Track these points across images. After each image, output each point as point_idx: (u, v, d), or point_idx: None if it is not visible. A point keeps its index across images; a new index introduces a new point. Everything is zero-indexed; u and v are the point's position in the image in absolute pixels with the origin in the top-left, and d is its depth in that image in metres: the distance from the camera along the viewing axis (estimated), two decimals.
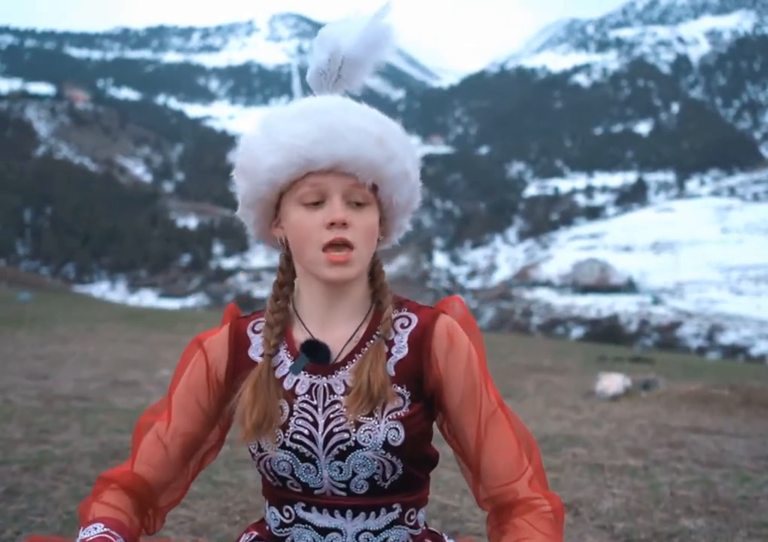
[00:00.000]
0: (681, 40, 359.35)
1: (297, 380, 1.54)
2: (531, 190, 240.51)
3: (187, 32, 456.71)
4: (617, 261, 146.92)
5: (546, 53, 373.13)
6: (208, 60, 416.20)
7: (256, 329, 1.61)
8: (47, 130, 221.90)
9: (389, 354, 1.52)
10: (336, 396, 1.51)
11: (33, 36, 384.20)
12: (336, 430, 1.48)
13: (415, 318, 1.56)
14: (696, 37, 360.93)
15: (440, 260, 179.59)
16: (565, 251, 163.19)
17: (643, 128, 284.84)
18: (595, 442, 5.19)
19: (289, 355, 1.56)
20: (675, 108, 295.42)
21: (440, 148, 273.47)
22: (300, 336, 1.57)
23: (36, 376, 7.75)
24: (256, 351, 1.58)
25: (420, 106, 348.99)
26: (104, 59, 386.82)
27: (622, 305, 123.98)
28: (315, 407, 1.52)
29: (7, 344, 10.90)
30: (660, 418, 6.54)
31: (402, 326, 1.56)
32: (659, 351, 33.21)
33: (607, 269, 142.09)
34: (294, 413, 1.51)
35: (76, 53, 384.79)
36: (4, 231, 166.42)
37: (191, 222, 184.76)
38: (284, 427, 1.51)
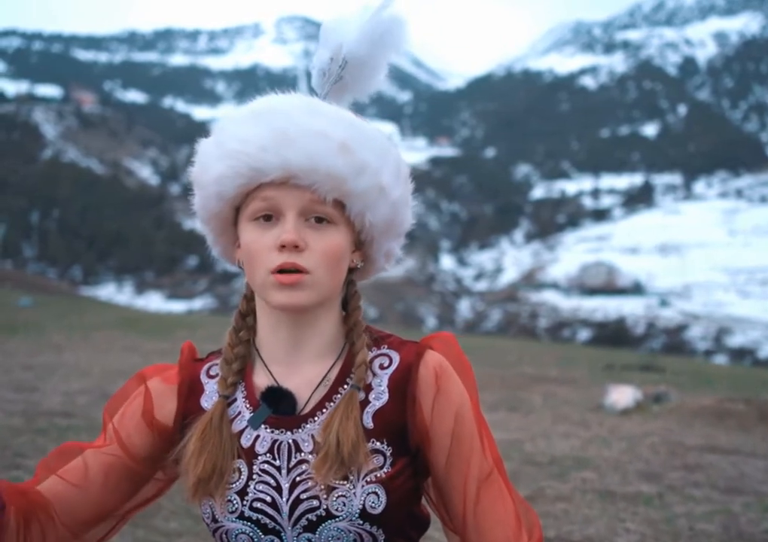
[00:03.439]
0: (687, 42, 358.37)
1: (257, 436, 1.33)
2: (538, 192, 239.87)
3: (193, 35, 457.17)
4: (624, 263, 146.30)
5: (552, 55, 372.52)
6: (215, 63, 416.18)
7: (211, 373, 1.41)
8: (54, 133, 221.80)
9: (366, 402, 1.32)
10: (303, 454, 1.30)
11: (40, 39, 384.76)
12: (303, 496, 1.28)
13: (396, 357, 1.35)
14: (703, 39, 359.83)
15: (447, 262, 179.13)
16: (572, 253, 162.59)
17: (650, 130, 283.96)
18: (606, 465, 4.89)
19: (248, 405, 1.35)
20: (682, 109, 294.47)
21: (447, 150, 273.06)
22: (261, 380, 1.36)
23: (23, 388, 7.47)
24: (210, 399, 1.38)
25: (427, 108, 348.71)
26: (111, 62, 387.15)
27: (629, 307, 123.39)
28: (279, 469, 1.30)
29: None
30: (673, 435, 6.22)
31: (381, 366, 1.35)
32: (667, 355, 32.92)
33: (613, 272, 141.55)
34: (254, 476, 1.30)
35: (83, 55, 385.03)
36: (11, 233, 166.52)
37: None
38: (243, 493, 1.30)
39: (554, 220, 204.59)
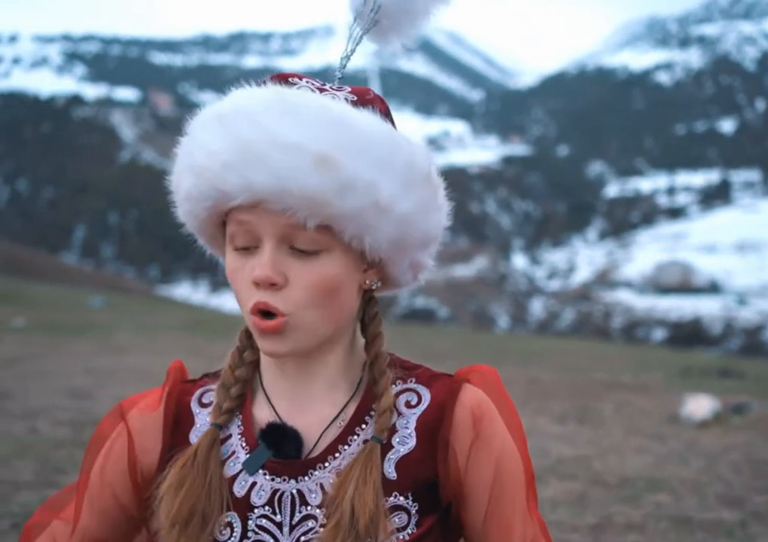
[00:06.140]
0: (766, 36, 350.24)
1: (254, 483, 1.13)
2: (612, 190, 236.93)
3: (266, 37, 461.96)
4: (700, 262, 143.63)
5: (626, 51, 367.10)
6: (288, 64, 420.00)
7: (203, 401, 1.21)
8: (132, 135, 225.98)
9: (389, 447, 1.12)
10: (309, 508, 1.11)
11: (118, 43, 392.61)
12: None
13: (427, 394, 1.15)
14: None
15: (519, 261, 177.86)
16: (647, 252, 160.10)
17: (727, 126, 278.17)
18: (683, 486, 4.51)
19: (244, 444, 1.15)
20: (761, 105, 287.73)
21: (519, 149, 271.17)
22: (262, 414, 1.17)
23: (78, 394, 7.34)
24: (201, 433, 1.17)
25: (499, 107, 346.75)
26: (186, 65, 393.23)
27: (705, 307, 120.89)
28: (280, 526, 1.11)
29: (58, 356, 10.55)
30: (757, 451, 5.79)
31: (408, 404, 1.15)
32: (745, 356, 31.97)
33: (689, 270, 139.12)
34: (249, 534, 1.11)
35: (159, 58, 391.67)
36: (91, 234, 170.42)
37: None
38: None
39: (628, 218, 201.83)
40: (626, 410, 7.99)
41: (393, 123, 1.15)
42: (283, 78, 1.12)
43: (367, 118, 1.07)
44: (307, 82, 1.12)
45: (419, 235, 1.11)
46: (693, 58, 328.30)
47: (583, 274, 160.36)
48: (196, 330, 16.51)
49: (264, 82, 1.12)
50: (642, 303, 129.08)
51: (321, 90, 1.11)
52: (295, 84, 1.11)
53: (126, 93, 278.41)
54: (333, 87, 1.13)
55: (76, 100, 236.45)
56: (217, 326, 18.60)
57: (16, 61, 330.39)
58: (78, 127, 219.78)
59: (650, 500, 4.19)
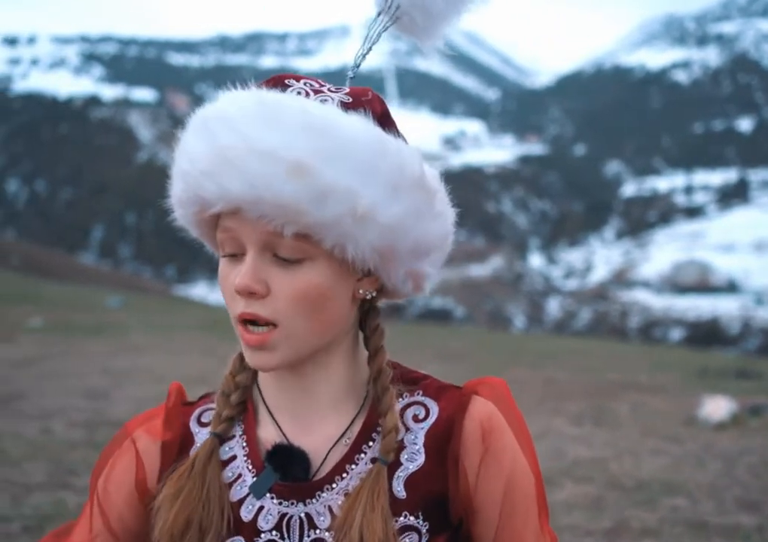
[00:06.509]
0: None
1: (261, 508, 1.10)
2: (629, 189, 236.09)
3: (282, 37, 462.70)
4: (718, 261, 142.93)
5: (643, 50, 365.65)
6: (304, 64, 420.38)
7: (203, 420, 1.18)
8: (149, 135, 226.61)
9: (397, 464, 1.08)
10: (318, 532, 1.08)
11: (135, 44, 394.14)
12: None
13: (435, 407, 1.11)
14: None
15: (535, 260, 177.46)
16: (664, 252, 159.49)
17: (745, 124, 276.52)
18: (699, 490, 4.47)
19: (250, 466, 1.12)
20: None
21: (536, 148, 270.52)
22: (267, 434, 1.13)
23: (95, 395, 7.36)
24: None
25: (515, 106, 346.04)
26: (203, 65, 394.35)
27: (723, 306, 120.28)
28: None
29: (75, 356, 10.58)
30: None
31: (416, 418, 1.11)
32: (763, 357, 31.74)
33: (707, 270, 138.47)
34: None
35: (176, 59, 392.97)
36: (108, 234, 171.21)
37: None
38: None
39: (645, 217, 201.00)
40: (643, 411, 7.93)
41: (392, 124, 1.12)
42: (280, 80, 1.10)
43: (352, 123, 1.03)
44: (305, 83, 1.09)
45: (409, 244, 1.05)
46: (711, 56, 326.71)
47: (600, 273, 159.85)
48: (212, 330, 16.50)
49: (261, 84, 1.10)
50: (659, 303, 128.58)
51: (317, 92, 1.08)
52: (290, 86, 1.08)
53: (144, 94, 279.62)
54: (332, 88, 1.10)
55: (93, 101, 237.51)
56: (231, 326, 18.59)
57: (34, 62, 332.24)
58: (96, 128, 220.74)
59: (666, 504, 4.14)
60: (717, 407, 7.33)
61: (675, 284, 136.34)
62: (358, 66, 1.17)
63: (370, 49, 1.18)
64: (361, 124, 1.04)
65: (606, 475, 4.85)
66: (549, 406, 7.67)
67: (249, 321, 1.03)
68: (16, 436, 5.30)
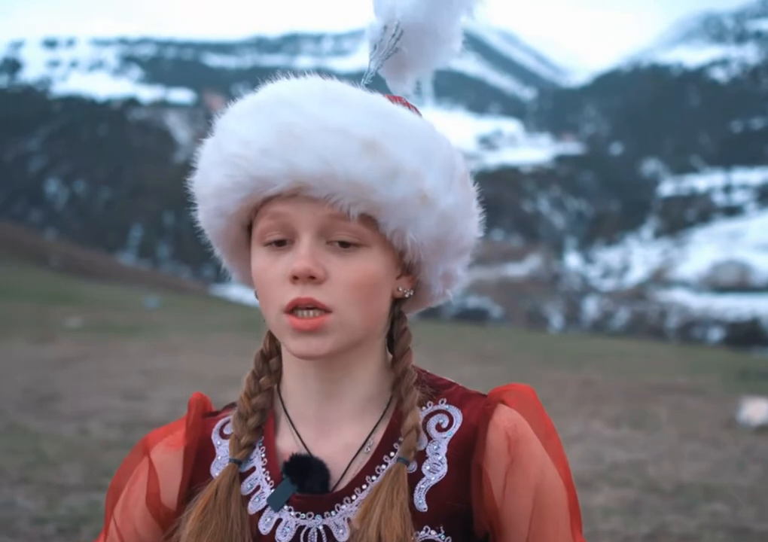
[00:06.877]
0: None
1: (279, 520, 1.07)
2: (666, 189, 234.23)
3: (318, 38, 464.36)
4: (758, 261, 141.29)
5: (680, 47, 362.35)
6: (340, 64, 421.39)
7: (225, 432, 1.16)
8: (186, 136, 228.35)
9: (419, 475, 1.04)
10: None
11: (173, 45, 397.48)
12: None
13: (458, 416, 1.07)
14: None
15: (572, 260, 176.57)
16: (703, 251, 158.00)
17: None
18: (740, 495, 4.39)
19: (269, 478, 1.09)
20: None
21: (572, 147, 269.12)
22: (286, 444, 1.10)
23: (132, 395, 7.38)
24: (221, 466, 1.12)
25: (551, 105, 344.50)
26: (240, 66, 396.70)
27: (763, 306, 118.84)
28: None
29: (112, 357, 10.65)
30: None
31: (439, 427, 1.07)
32: None
33: (747, 269, 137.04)
34: None
35: (213, 60, 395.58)
36: (147, 234, 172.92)
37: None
38: None
39: (684, 216, 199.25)
40: (682, 414, 7.84)
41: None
42: None
43: (408, 112, 1.05)
44: None
45: (457, 237, 1.06)
46: (750, 53, 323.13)
47: (637, 273, 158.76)
48: (249, 331, 16.56)
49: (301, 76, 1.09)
50: (698, 303, 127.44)
51: None
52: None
53: (181, 95, 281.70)
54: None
55: (132, 102, 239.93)
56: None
57: (73, 64, 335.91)
58: (134, 129, 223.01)
59: (706, 510, 4.08)
60: (757, 409, 7.22)
61: (714, 284, 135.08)
62: (366, 86, 1.14)
63: (375, 72, 1.17)
64: (414, 115, 1.05)
65: (644, 479, 4.79)
66: (586, 408, 7.59)
67: (302, 309, 1.00)
68: (53, 437, 5.33)
